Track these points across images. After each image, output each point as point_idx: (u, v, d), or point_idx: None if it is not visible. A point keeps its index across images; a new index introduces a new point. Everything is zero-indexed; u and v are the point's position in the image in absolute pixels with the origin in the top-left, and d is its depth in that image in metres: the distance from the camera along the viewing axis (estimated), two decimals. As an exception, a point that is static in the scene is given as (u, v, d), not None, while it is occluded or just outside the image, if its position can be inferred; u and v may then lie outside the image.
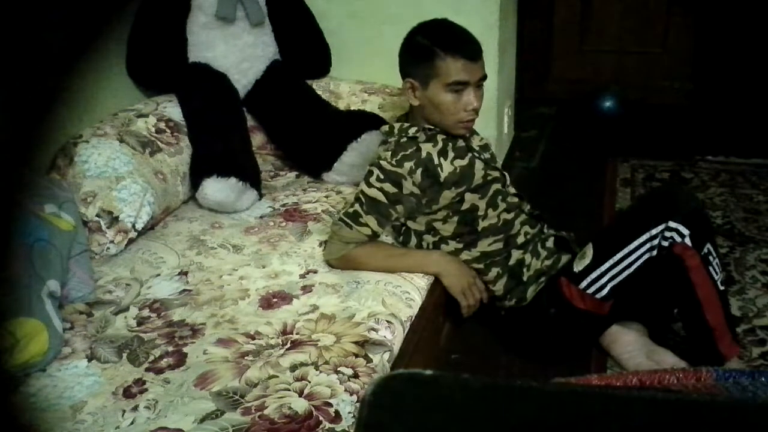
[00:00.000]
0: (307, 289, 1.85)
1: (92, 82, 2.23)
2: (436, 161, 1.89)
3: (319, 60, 2.75)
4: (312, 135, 2.46)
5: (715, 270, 1.82)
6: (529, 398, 0.76)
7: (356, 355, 1.60)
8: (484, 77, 1.90)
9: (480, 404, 0.76)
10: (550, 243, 2.05)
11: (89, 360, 1.61)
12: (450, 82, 1.84)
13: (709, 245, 1.81)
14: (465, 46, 1.87)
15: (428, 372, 0.78)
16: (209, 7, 2.43)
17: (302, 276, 1.91)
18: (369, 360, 1.60)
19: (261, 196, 2.32)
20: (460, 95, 1.86)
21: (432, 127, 1.93)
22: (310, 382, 1.51)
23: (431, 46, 1.85)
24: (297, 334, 1.68)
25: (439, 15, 1.96)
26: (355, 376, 1.54)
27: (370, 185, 1.90)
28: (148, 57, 2.44)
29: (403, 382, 0.78)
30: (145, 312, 1.78)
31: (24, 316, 1.55)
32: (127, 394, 1.50)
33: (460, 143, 1.96)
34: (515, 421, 0.74)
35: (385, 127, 2.02)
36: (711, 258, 1.82)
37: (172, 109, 2.35)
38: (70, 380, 1.55)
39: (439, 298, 1.99)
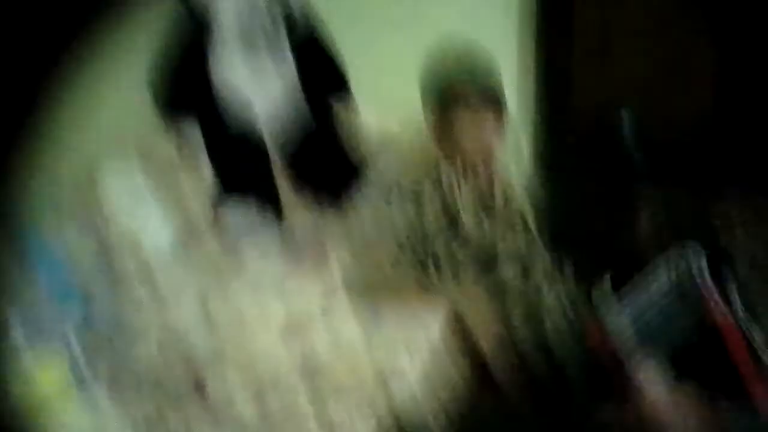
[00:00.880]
0: (326, 316, 1.85)
1: (114, 108, 2.26)
2: (455, 185, 1.91)
3: (339, 84, 2.75)
4: (332, 160, 2.47)
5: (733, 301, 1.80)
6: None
7: (375, 384, 1.60)
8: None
9: None
10: (568, 270, 2.03)
11: (109, 387, 1.63)
12: (472, 118, 1.89)
13: (727, 273, 1.79)
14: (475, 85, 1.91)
15: None
16: (230, 38, 2.46)
17: (322, 304, 1.91)
18: (388, 389, 1.60)
19: (281, 220, 2.32)
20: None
21: (451, 151, 1.95)
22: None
23: (451, 77, 1.87)
24: (316, 361, 1.68)
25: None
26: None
27: (390, 207, 1.92)
28: (171, 84, 2.45)
29: None
30: (164, 349, 1.77)
31: (45, 344, 1.57)
32: None
33: (480, 168, 1.97)
34: None
35: (402, 170, 2.04)
36: (729, 286, 1.79)
37: (193, 132, 2.35)
38: (88, 416, 1.56)
39: (461, 327, 1.97)
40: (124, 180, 2.08)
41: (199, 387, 1.62)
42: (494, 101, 1.89)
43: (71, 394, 1.60)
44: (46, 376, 1.55)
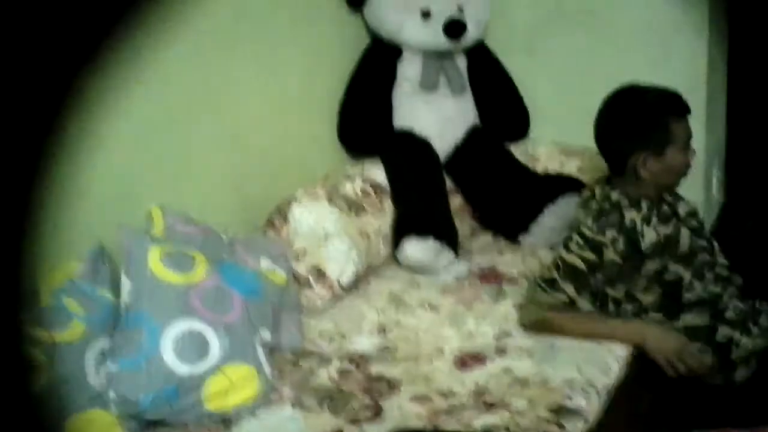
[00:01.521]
0: (501, 351, 1.86)
1: (305, 148, 2.44)
2: (639, 229, 1.84)
3: (518, 124, 2.79)
4: (509, 197, 2.50)
5: None
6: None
7: (549, 422, 1.58)
8: None
9: None
10: (765, 320, 1.90)
11: (294, 407, 1.72)
12: (685, 143, 1.83)
13: None
14: (684, 103, 1.86)
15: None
16: (414, 76, 2.58)
17: (497, 338, 1.93)
18: (562, 428, 1.57)
19: (458, 257, 2.37)
20: (688, 150, 1.87)
21: (637, 192, 1.89)
22: (502, 445, 1.51)
23: (663, 112, 1.82)
24: (490, 395, 1.69)
25: (641, 75, 1.93)
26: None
27: (569, 251, 1.88)
28: (357, 124, 2.61)
29: None
30: (347, 365, 1.87)
31: (239, 361, 1.70)
32: (328, 442, 1.59)
33: (665, 209, 1.90)
34: None
35: (586, 191, 2.01)
36: None
37: (377, 173, 2.48)
38: (276, 424, 1.67)
39: (641, 368, 1.91)
40: (313, 214, 2.22)
41: (377, 411, 1.67)
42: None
43: (260, 406, 1.72)
44: (240, 387, 1.68)
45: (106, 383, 1.61)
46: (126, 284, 1.70)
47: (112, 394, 1.59)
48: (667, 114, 1.82)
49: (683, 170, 1.88)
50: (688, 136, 1.85)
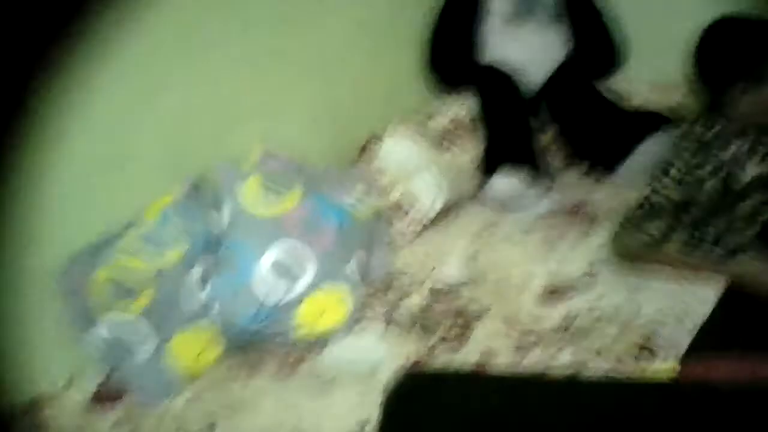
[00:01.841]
0: (589, 285, 1.86)
1: (393, 80, 2.45)
2: (740, 164, 1.78)
3: (612, 56, 2.71)
4: (601, 133, 2.45)
5: None
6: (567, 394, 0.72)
7: (635, 357, 1.59)
8: None
9: (506, 401, 0.73)
10: None
11: (381, 335, 1.78)
12: None
13: None
14: None
15: (451, 369, 0.77)
16: (505, 6, 2.53)
17: (585, 272, 1.92)
18: (649, 363, 1.58)
19: (547, 192, 2.36)
20: None
21: (736, 127, 1.82)
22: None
23: (764, 42, 1.74)
24: (577, 328, 1.70)
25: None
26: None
27: (661, 188, 1.84)
28: (445, 55, 2.60)
29: (426, 379, 0.78)
30: (434, 294, 1.91)
31: (331, 287, 1.76)
32: (415, 364, 1.64)
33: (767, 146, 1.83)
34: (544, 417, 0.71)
35: (683, 127, 1.95)
36: None
37: (466, 107, 2.47)
38: (367, 345, 1.73)
39: (734, 304, 1.87)
40: (403, 148, 2.24)
41: (463, 340, 1.71)
42: None
43: (349, 330, 1.79)
44: (331, 311, 1.75)
45: (207, 303, 1.70)
46: (224, 212, 1.78)
47: (212, 313, 1.69)
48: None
49: None
50: None
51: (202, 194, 1.86)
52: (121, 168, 1.75)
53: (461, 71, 2.58)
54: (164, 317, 1.69)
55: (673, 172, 1.82)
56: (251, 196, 1.79)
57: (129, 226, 1.76)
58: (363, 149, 2.28)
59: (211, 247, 1.79)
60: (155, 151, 1.82)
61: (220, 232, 1.78)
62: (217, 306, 1.69)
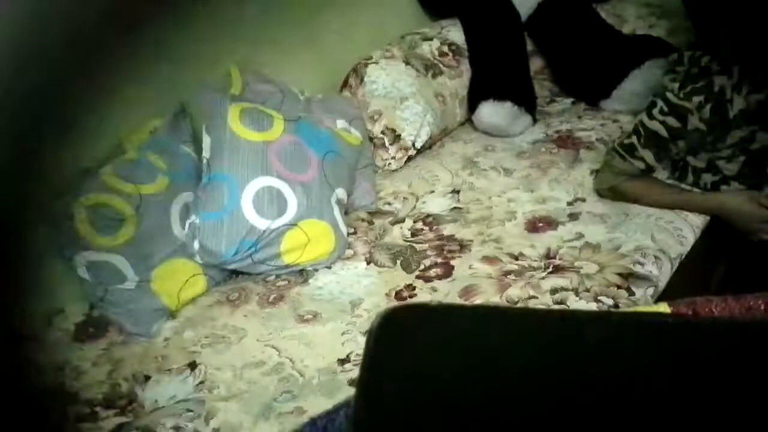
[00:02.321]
0: (574, 216, 1.86)
1: (381, 7, 2.39)
2: (728, 96, 1.76)
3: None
4: (592, 60, 2.40)
5: None
6: (549, 325, 0.72)
7: (619, 287, 1.60)
8: None
9: (494, 334, 0.73)
10: None
11: (368, 263, 1.79)
12: None
13: None
14: None
15: (436, 303, 0.77)
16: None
17: (570, 203, 1.92)
18: (631, 293, 1.59)
19: (535, 121, 2.33)
20: None
21: (728, 57, 1.79)
22: (569, 307, 1.54)
23: None
24: (560, 259, 1.71)
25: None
26: (616, 306, 1.54)
27: (651, 117, 1.82)
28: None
29: (411, 313, 0.78)
30: (419, 225, 1.91)
31: (316, 218, 1.76)
32: (399, 296, 1.65)
33: (759, 77, 1.80)
34: (529, 350, 0.71)
35: (674, 55, 1.92)
36: None
37: (455, 34, 2.41)
38: (351, 279, 1.74)
39: (717, 237, 1.88)
40: (389, 75, 2.20)
41: (448, 270, 1.72)
42: None
43: (335, 261, 1.80)
44: (315, 242, 1.75)
45: (190, 235, 1.69)
46: (207, 141, 1.76)
47: (195, 245, 1.68)
48: None
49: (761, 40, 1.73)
50: None
51: (185, 122, 1.84)
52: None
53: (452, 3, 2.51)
54: (150, 244, 1.69)
55: (663, 101, 1.80)
56: (235, 122, 1.76)
57: (112, 152, 1.74)
58: (349, 77, 2.24)
59: (196, 177, 1.78)
60: (137, 78, 1.78)
61: (205, 162, 1.76)
62: (202, 232, 1.68)
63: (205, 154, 1.76)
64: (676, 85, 1.79)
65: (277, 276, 1.77)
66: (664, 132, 1.80)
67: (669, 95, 1.79)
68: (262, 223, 1.70)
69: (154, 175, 1.72)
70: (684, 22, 2.38)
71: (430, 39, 2.37)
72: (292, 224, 1.72)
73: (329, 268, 1.78)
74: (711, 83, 1.76)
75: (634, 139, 1.85)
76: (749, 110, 1.76)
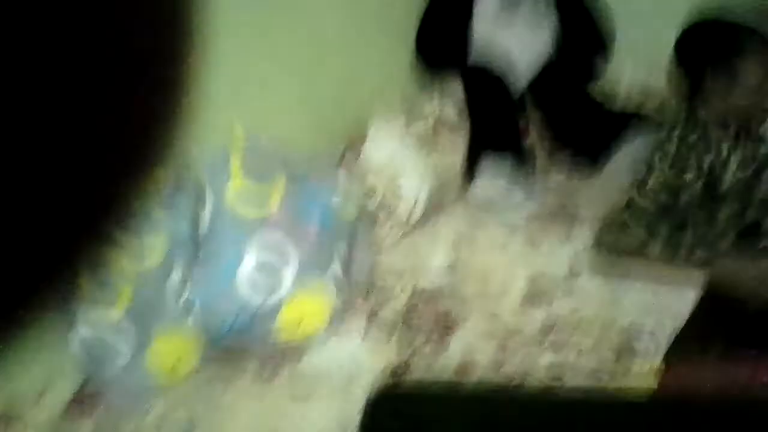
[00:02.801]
0: (569, 291, 1.87)
1: (379, 82, 2.42)
2: (717, 172, 1.79)
3: (599, 56, 2.71)
4: (585, 135, 2.45)
5: None
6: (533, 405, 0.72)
7: (615, 362, 1.59)
8: None
9: (487, 414, 0.74)
10: None
11: (363, 339, 1.78)
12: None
13: None
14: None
15: (431, 380, 0.78)
16: (494, 2, 2.54)
17: (566, 278, 1.93)
18: (627, 368, 1.58)
19: (530, 195, 2.36)
20: None
21: (718, 132, 1.82)
22: (565, 383, 1.53)
23: (738, 35, 1.74)
24: (556, 334, 1.70)
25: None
26: (612, 381, 1.53)
27: (643, 192, 1.84)
28: (434, 40, 2.59)
29: (405, 391, 0.78)
30: (415, 300, 1.91)
31: (311, 293, 1.76)
32: (394, 373, 1.64)
33: (747, 150, 1.83)
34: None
35: (663, 132, 1.95)
36: None
37: (451, 110, 2.47)
38: (346, 355, 1.73)
39: (711, 309, 1.88)
40: (386, 150, 2.24)
41: (444, 345, 1.72)
42: None
43: (330, 336, 1.79)
44: (313, 315, 1.74)
45: (185, 311, 1.69)
46: (204, 216, 1.77)
47: (190, 321, 1.68)
48: (743, 36, 1.73)
49: (750, 91, 1.76)
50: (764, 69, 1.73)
51: (184, 187, 1.85)
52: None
53: (450, 58, 2.58)
54: (144, 319, 1.68)
55: (655, 174, 1.82)
56: (235, 191, 1.78)
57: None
58: (346, 150, 2.28)
59: (194, 246, 1.78)
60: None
61: (203, 230, 1.77)
62: (197, 309, 1.68)
63: (203, 229, 1.77)
64: (667, 162, 1.82)
65: (275, 347, 1.76)
66: (655, 208, 1.82)
67: (659, 171, 1.82)
68: (256, 299, 1.70)
69: (151, 249, 1.73)
70: (672, 101, 2.44)
71: (427, 116, 2.42)
72: (291, 295, 1.73)
73: (324, 344, 1.77)
74: (700, 160, 1.79)
75: (626, 214, 1.87)
76: (738, 186, 1.78)
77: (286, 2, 2.12)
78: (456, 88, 2.50)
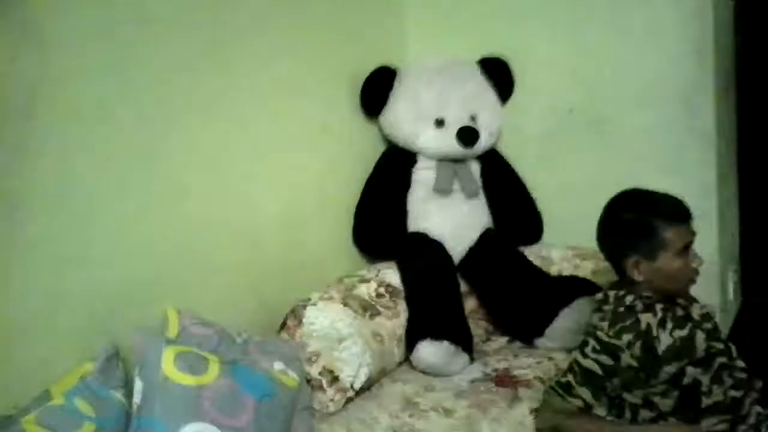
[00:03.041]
0: (517, 458, 1.82)
1: (322, 252, 2.47)
2: (654, 333, 1.83)
3: (531, 227, 2.82)
4: (524, 300, 2.49)
5: None
6: None
7: None
8: (695, 234, 1.87)
9: None
10: None
11: None
12: (680, 249, 1.82)
13: None
14: (681, 210, 1.85)
15: None
16: (428, 181, 2.64)
17: (512, 446, 1.89)
18: None
19: (473, 360, 2.35)
20: (687, 257, 1.83)
21: (650, 295, 1.89)
22: None
23: (649, 220, 1.84)
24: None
25: (652, 180, 1.96)
26: None
27: (585, 356, 1.86)
28: (372, 228, 2.66)
29: None
30: (359, 471, 1.83)
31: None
32: None
33: (680, 312, 1.89)
34: None
35: (600, 295, 2.01)
36: None
37: (392, 275, 2.50)
38: None
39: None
40: (327, 316, 2.23)
41: None
42: (691, 217, 1.86)
43: None
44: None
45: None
46: (138, 386, 1.70)
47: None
48: (656, 219, 1.83)
49: (682, 275, 1.85)
50: (687, 242, 1.83)
51: (115, 367, 1.78)
52: (34, 338, 1.68)
53: (388, 240, 2.64)
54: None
55: (595, 340, 1.85)
56: (169, 366, 1.72)
57: (38, 399, 1.66)
58: (287, 318, 2.26)
59: (125, 423, 1.70)
60: (69, 319, 1.76)
61: (135, 407, 1.69)
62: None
63: (136, 398, 1.69)
64: (606, 324, 1.85)
65: None
66: (598, 369, 1.83)
67: (600, 334, 1.85)
68: (192, 475, 1.60)
69: (80, 422, 1.63)
70: (605, 264, 2.52)
71: (368, 281, 2.43)
72: (225, 475, 1.63)
73: None
74: (638, 321, 1.83)
75: (570, 377, 1.87)
76: (675, 346, 1.82)
77: (223, 189, 2.17)
78: (396, 265, 2.54)
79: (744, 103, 3.36)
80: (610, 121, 2.74)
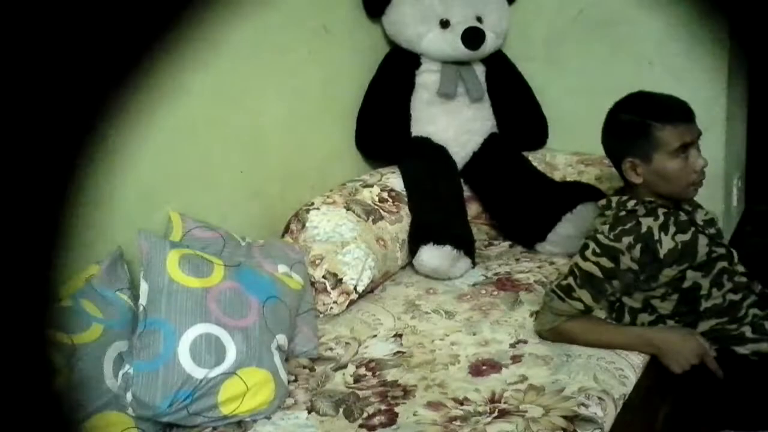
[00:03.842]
0: (516, 358, 1.86)
1: (324, 156, 2.46)
2: (656, 236, 1.83)
3: (536, 132, 2.79)
4: (527, 205, 2.49)
5: None
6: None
7: (564, 430, 1.58)
8: (701, 134, 1.84)
9: None
10: None
11: (309, 412, 1.73)
12: (676, 149, 1.80)
13: None
14: (677, 109, 1.82)
15: None
16: (432, 84, 2.59)
17: (512, 345, 1.93)
18: (578, 436, 1.57)
19: (475, 264, 2.37)
20: (686, 158, 1.81)
21: (652, 200, 1.88)
22: (515, 452, 1.51)
23: (644, 120, 1.81)
24: (505, 403, 1.68)
25: (661, 85, 1.92)
26: (563, 450, 1.52)
27: (585, 259, 1.88)
28: (375, 131, 2.63)
29: None
30: (362, 370, 1.88)
31: (255, 366, 1.71)
32: (342, 447, 1.59)
33: (683, 217, 1.89)
34: None
35: (603, 201, 2.00)
36: None
37: (395, 180, 2.49)
38: (291, 430, 1.68)
39: (657, 377, 1.90)
40: (330, 220, 2.23)
41: (392, 417, 1.68)
42: (693, 117, 1.83)
43: (275, 410, 1.73)
44: (255, 390, 1.69)
45: (123, 386, 1.62)
46: (144, 288, 1.73)
47: (129, 397, 1.61)
48: (650, 118, 1.80)
49: (681, 177, 1.83)
50: (684, 141, 1.80)
51: (121, 270, 1.80)
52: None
53: (391, 144, 2.62)
54: (77, 401, 1.60)
55: (595, 243, 1.86)
56: (174, 268, 1.74)
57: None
58: (290, 223, 2.27)
59: (131, 325, 1.73)
60: (78, 223, 1.76)
61: (141, 309, 1.72)
62: (134, 388, 1.61)
63: (142, 300, 1.72)
64: (606, 227, 1.86)
65: (214, 428, 1.69)
66: (598, 272, 1.85)
67: (600, 237, 1.86)
68: (199, 372, 1.64)
69: (88, 323, 1.66)
70: (609, 170, 2.51)
71: (371, 186, 2.43)
72: (231, 373, 1.67)
73: (269, 418, 1.71)
74: (639, 225, 1.84)
75: (570, 280, 1.89)
76: (677, 250, 1.83)
77: (226, 93, 2.13)
78: (400, 168, 2.53)
79: (761, 8, 3.25)
80: (620, 24, 2.66)
